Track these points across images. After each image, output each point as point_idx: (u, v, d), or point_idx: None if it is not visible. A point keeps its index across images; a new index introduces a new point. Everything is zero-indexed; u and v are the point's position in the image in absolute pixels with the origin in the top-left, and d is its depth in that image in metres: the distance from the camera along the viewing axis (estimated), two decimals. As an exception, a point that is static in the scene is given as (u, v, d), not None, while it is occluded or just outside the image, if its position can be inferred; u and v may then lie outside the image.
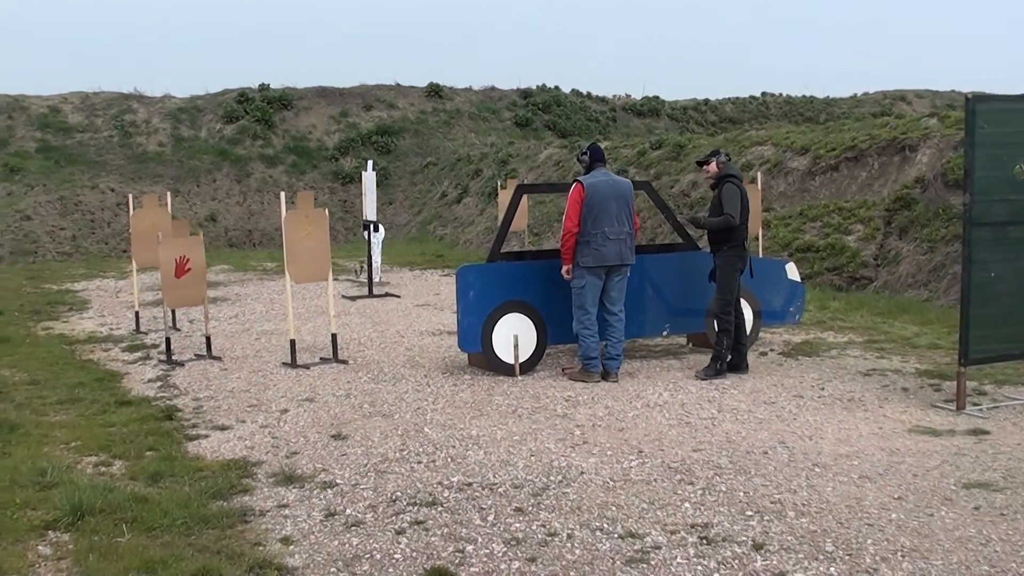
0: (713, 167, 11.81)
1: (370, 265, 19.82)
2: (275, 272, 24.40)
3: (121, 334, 15.69)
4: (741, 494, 7.57)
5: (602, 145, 29.12)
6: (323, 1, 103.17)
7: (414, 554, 6.49)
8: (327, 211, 13.28)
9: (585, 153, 12.00)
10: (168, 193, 18.41)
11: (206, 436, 9.53)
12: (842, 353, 12.98)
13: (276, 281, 22.36)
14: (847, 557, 6.35)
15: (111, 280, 23.66)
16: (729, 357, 11.74)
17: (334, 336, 13.13)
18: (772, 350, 13.12)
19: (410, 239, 31.33)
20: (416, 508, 7.36)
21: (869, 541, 6.62)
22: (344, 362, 12.85)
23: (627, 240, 11.58)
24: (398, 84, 41.16)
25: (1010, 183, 10.09)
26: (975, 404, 10.26)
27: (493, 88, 42.52)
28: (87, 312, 18.40)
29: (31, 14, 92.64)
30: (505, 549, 6.54)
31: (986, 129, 9.91)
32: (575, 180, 11.75)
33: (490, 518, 7.12)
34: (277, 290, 20.68)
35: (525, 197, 22.50)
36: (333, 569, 6.29)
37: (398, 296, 19.27)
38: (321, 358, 13.10)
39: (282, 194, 13.23)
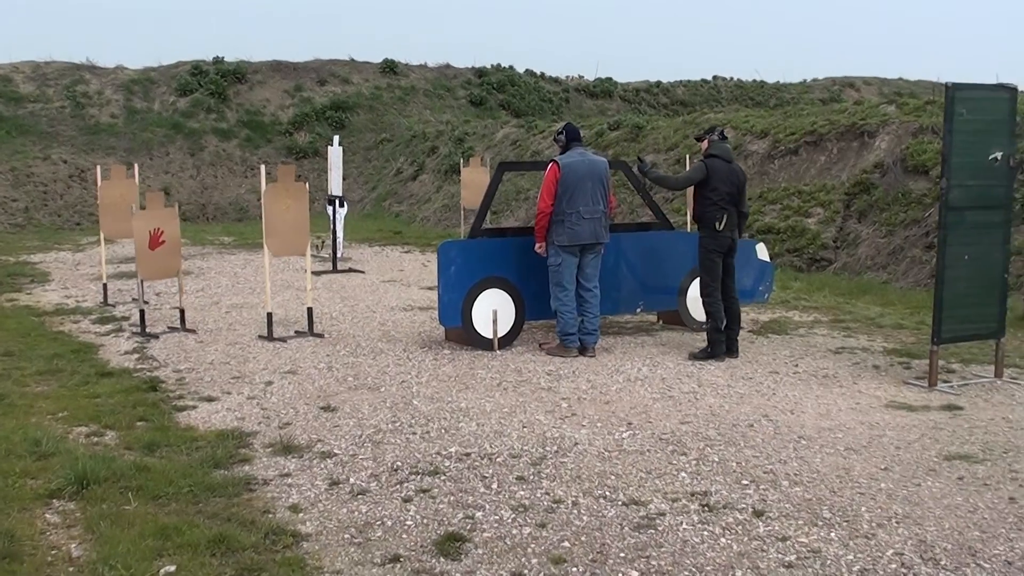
0: (704, 144, 11.98)
1: (335, 240, 19.87)
2: (233, 246, 24.42)
3: (89, 306, 15.65)
4: (734, 464, 7.79)
5: (557, 126, 29.36)
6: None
7: (425, 520, 6.64)
8: (307, 185, 13.34)
9: (561, 133, 12.16)
10: (136, 165, 18.35)
11: (194, 407, 9.61)
12: (810, 332, 13.26)
13: (236, 255, 22.36)
14: (845, 523, 6.59)
15: (68, 252, 23.49)
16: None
17: (310, 310, 13.21)
18: (742, 328, 13.33)
19: (365, 215, 31.32)
20: (419, 477, 7.50)
21: (863, 508, 6.85)
22: (320, 336, 12.94)
23: (602, 219, 11.75)
24: (352, 59, 41.02)
25: (968, 169, 10.32)
26: (945, 381, 10.55)
27: (448, 66, 42.50)
28: (49, 284, 18.31)
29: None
30: (514, 516, 6.71)
31: (965, 116, 10.16)
32: (551, 160, 11.91)
33: (494, 486, 7.29)
34: (239, 264, 20.70)
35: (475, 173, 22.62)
36: (347, 535, 6.42)
37: (362, 272, 19.34)
38: (296, 331, 13.18)
39: (262, 167, 13.25)
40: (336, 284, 17.78)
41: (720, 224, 11.57)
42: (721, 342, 11.65)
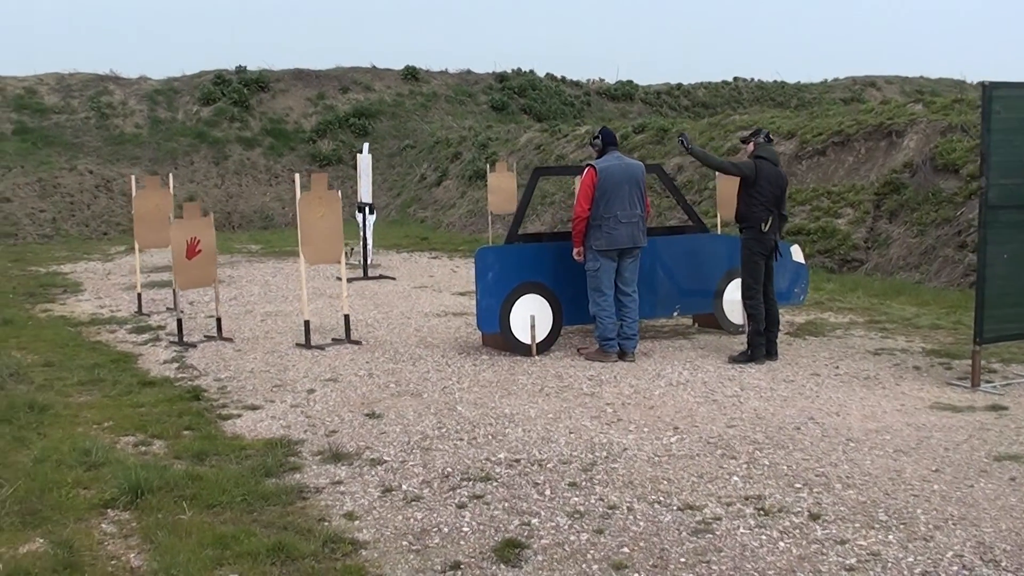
0: (750, 147, 11.93)
1: (365, 247, 19.92)
2: (261, 254, 24.54)
3: (123, 316, 15.73)
4: (785, 468, 7.78)
5: (581, 130, 29.41)
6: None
7: (481, 527, 6.66)
8: (340, 193, 13.39)
9: (597, 137, 12.16)
10: (171, 176, 18.43)
11: (238, 416, 9.65)
12: (847, 333, 13.24)
13: (265, 263, 22.50)
14: (902, 526, 6.57)
15: (97, 262, 23.66)
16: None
17: (347, 317, 13.24)
18: (779, 330, 13.33)
19: (391, 222, 31.42)
20: (471, 483, 7.52)
21: (919, 511, 6.84)
22: (358, 343, 12.97)
23: (639, 223, 11.75)
24: (374, 66, 41.22)
25: (1004, 168, 10.28)
26: (987, 381, 10.51)
27: (469, 71, 42.67)
28: (82, 294, 18.41)
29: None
30: (570, 522, 6.71)
31: (1002, 114, 10.13)
32: (587, 164, 11.91)
33: (547, 492, 7.29)
34: (269, 272, 20.81)
35: (502, 178, 22.70)
36: (404, 543, 6.43)
37: (393, 278, 19.39)
38: (333, 339, 13.22)
39: (296, 176, 13.32)
40: (368, 291, 17.83)
41: (765, 225, 11.52)
42: (761, 345, 11.61)
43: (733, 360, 11.60)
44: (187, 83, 37.88)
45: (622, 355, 11.78)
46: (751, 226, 11.61)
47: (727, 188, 14.09)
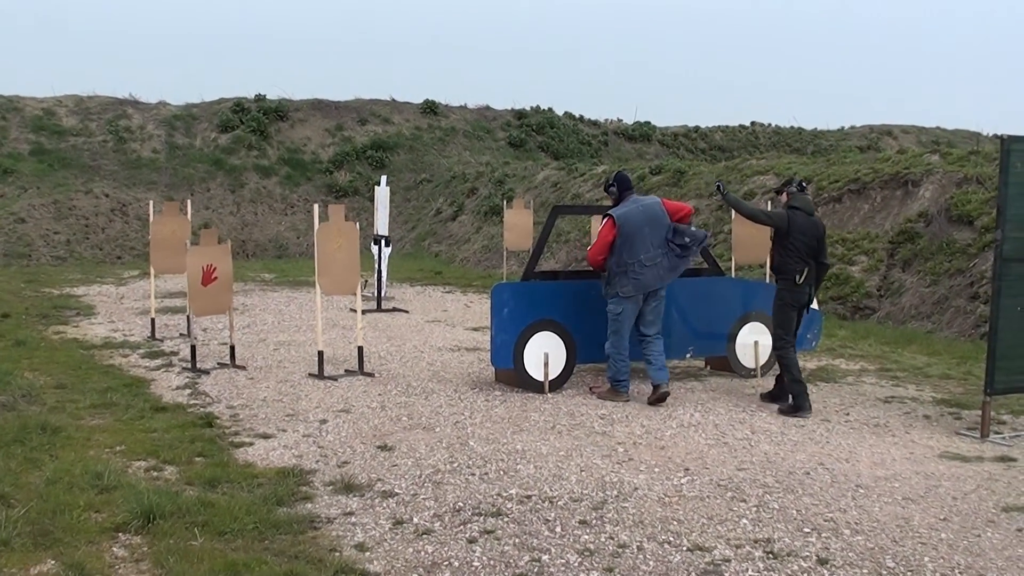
0: (784, 197, 11.90)
1: (379, 280, 19.98)
2: (275, 283, 24.61)
3: (136, 340, 15.80)
4: (794, 512, 7.81)
5: (598, 170, 29.51)
6: (319, 13, 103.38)
7: (492, 562, 6.69)
8: (357, 224, 13.47)
9: (612, 184, 12.11)
10: (188, 202, 18.51)
11: (251, 444, 9.69)
12: (858, 380, 13.26)
13: (279, 292, 22.57)
14: (909, 573, 6.60)
15: (111, 286, 23.76)
16: (772, 386, 11.90)
17: (360, 349, 13.30)
18: (790, 375, 13.38)
19: (405, 255, 31.52)
20: (482, 518, 7.55)
21: (926, 559, 6.87)
22: (371, 375, 13.02)
23: (663, 261, 11.71)
24: (393, 99, 41.44)
25: (1019, 221, 10.32)
26: (997, 433, 10.53)
27: (488, 107, 42.86)
28: (95, 317, 18.49)
29: (26, 14, 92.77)
30: (580, 559, 6.75)
31: (1020, 168, 10.18)
32: (606, 214, 11.89)
33: (557, 529, 7.33)
34: (283, 301, 20.87)
35: (518, 215, 22.77)
36: (415, 575, 6.47)
37: (406, 311, 19.44)
38: (346, 370, 13.27)
39: (315, 206, 13.38)
40: (382, 323, 17.87)
41: (800, 277, 11.38)
42: (805, 394, 11.35)
43: (781, 412, 11.36)
44: (206, 109, 38.08)
45: (656, 387, 11.68)
46: (786, 277, 11.53)
47: (742, 232, 14.16)
